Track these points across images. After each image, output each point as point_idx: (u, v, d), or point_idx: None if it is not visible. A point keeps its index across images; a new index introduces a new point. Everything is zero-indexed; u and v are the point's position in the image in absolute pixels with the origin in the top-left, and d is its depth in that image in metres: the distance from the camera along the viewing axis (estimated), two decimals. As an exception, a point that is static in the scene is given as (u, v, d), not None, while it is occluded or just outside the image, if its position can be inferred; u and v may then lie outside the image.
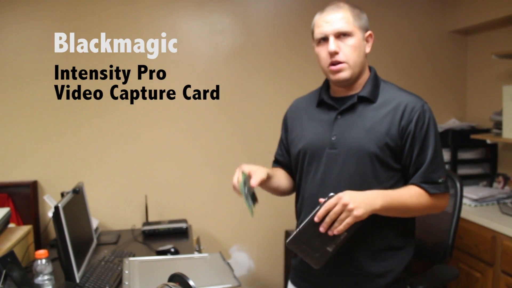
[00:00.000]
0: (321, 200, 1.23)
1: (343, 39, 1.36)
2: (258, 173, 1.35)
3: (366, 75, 1.45)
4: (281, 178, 1.58)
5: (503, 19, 2.56)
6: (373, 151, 1.35)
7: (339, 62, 1.36)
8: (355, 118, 1.40)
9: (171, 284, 1.01)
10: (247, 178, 1.33)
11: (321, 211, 1.21)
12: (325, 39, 1.38)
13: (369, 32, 1.42)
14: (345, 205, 1.20)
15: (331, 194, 1.22)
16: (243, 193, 1.32)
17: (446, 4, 2.98)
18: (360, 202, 1.22)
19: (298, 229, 1.26)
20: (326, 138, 1.42)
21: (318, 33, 1.39)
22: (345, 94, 1.44)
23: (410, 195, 1.34)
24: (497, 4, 2.54)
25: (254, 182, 1.32)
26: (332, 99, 1.47)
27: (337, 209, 1.20)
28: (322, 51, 1.39)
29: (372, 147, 1.35)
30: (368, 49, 1.42)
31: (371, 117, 1.38)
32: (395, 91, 1.42)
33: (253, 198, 1.35)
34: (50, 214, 2.28)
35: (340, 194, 1.22)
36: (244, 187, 1.32)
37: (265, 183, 1.41)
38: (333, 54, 1.36)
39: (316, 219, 1.22)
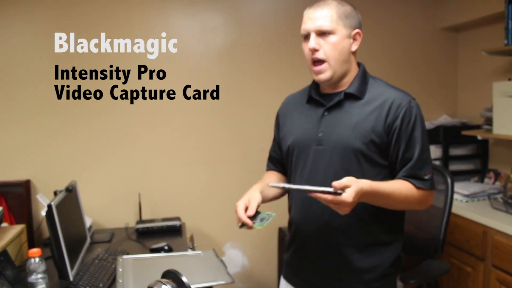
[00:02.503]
0: (335, 186, 1.14)
1: (324, 36, 1.36)
2: (252, 201, 1.34)
3: (354, 72, 1.44)
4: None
5: (493, 16, 2.59)
6: (358, 147, 1.35)
7: (320, 60, 1.37)
8: (342, 115, 1.40)
9: (164, 280, 1.02)
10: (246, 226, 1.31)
11: (322, 198, 1.16)
12: (307, 36, 1.39)
13: (356, 31, 1.40)
14: (343, 206, 1.16)
15: (340, 191, 1.14)
16: (264, 223, 1.30)
17: (437, 1, 3.00)
18: (355, 204, 1.18)
19: (288, 185, 1.23)
20: (313, 135, 1.43)
21: (302, 30, 1.40)
22: (333, 90, 1.45)
23: (397, 186, 1.34)
24: (487, 1, 2.57)
25: (250, 212, 1.30)
26: (320, 95, 1.47)
27: (334, 205, 1.17)
28: (305, 48, 1.40)
29: (357, 144, 1.36)
30: (354, 48, 1.41)
31: (358, 114, 1.38)
32: (383, 88, 1.42)
33: (262, 218, 1.33)
34: (43, 213, 2.28)
35: (349, 199, 1.14)
36: (256, 223, 1.30)
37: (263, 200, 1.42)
38: (312, 51, 1.37)
39: (311, 194, 1.17)
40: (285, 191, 1.60)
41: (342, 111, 1.41)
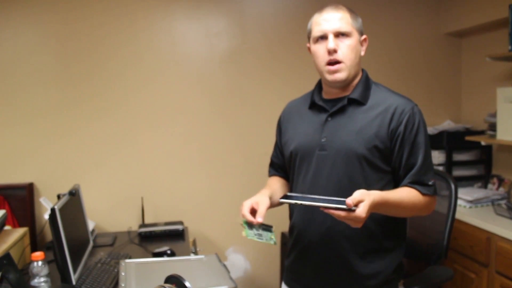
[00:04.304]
0: (349, 203, 1.12)
1: (342, 39, 1.37)
2: (261, 205, 1.32)
3: (358, 77, 1.46)
4: (279, 190, 1.57)
5: (496, 22, 2.59)
6: (362, 153, 1.35)
7: (337, 61, 1.37)
8: (345, 120, 1.41)
9: (167, 285, 1.02)
10: (247, 223, 1.31)
11: (336, 214, 1.14)
12: (323, 38, 1.39)
13: (364, 36, 1.44)
14: (356, 220, 1.14)
15: (354, 208, 1.12)
16: (254, 237, 1.30)
17: (441, 7, 3.01)
18: (366, 218, 1.16)
19: (300, 202, 1.19)
20: (316, 140, 1.43)
21: (317, 31, 1.40)
22: (336, 96, 1.45)
23: (405, 194, 1.34)
24: (491, 7, 2.57)
25: (259, 217, 1.29)
26: (324, 101, 1.48)
27: (347, 219, 1.15)
28: (320, 49, 1.39)
29: (361, 149, 1.36)
30: (363, 52, 1.44)
31: (361, 119, 1.39)
32: (385, 94, 1.43)
33: (267, 229, 1.32)
34: (46, 216, 2.28)
35: (362, 215, 1.12)
36: (252, 231, 1.30)
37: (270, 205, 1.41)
38: (331, 52, 1.36)
39: (324, 209, 1.15)
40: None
41: (345, 116, 1.41)
